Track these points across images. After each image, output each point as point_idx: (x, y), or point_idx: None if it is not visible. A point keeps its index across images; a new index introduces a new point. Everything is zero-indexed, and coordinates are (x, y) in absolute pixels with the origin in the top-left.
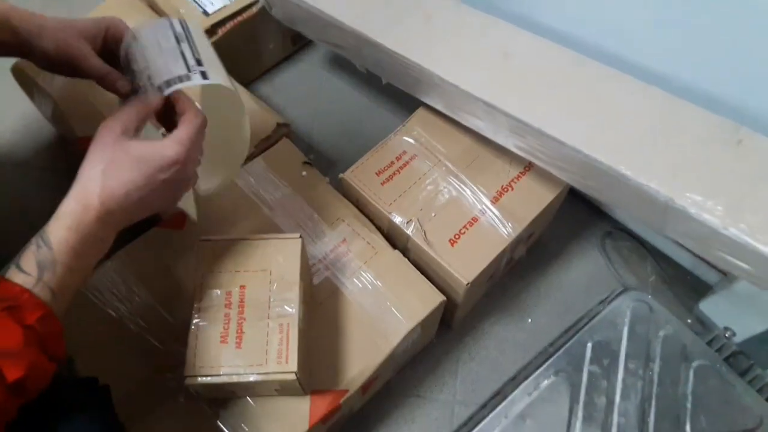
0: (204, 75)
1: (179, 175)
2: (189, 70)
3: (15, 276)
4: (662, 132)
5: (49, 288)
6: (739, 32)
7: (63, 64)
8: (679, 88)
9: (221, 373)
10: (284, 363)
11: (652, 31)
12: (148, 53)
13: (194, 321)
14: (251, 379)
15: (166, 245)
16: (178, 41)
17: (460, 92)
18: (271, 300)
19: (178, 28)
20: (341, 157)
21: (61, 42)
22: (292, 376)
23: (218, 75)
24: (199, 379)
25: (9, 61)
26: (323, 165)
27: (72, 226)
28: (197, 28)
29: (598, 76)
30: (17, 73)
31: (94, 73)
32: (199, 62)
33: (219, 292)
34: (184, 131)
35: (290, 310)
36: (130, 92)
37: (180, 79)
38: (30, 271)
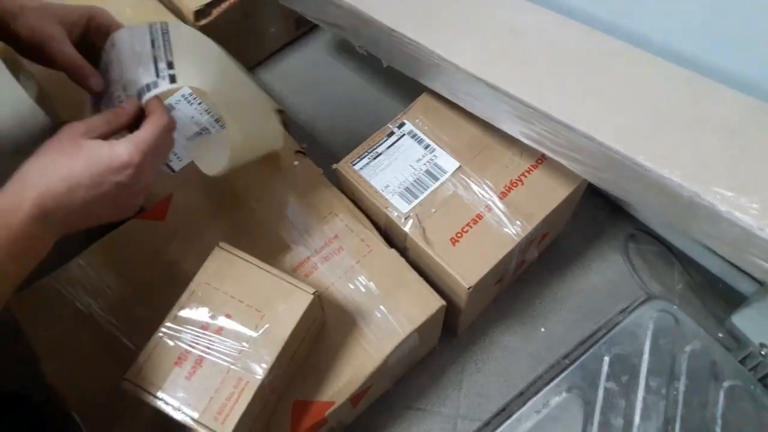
0: (173, 78)
1: (132, 180)
2: (158, 75)
3: None
4: (688, 117)
5: None
6: None
7: (34, 49)
8: (707, 70)
9: (157, 395)
10: (220, 423)
11: (676, 7)
12: (124, 61)
13: (165, 325)
14: (177, 418)
15: (145, 238)
16: (153, 45)
17: (461, 72)
18: (246, 347)
19: (156, 33)
20: (344, 145)
21: (35, 24)
22: None
23: (196, 75)
24: (135, 388)
25: None
26: (325, 154)
27: (1, 222)
28: (185, 28)
29: (616, 55)
30: (3, 53)
31: (65, 62)
32: (170, 65)
33: (205, 309)
34: (143, 133)
35: (257, 369)
36: (102, 93)
37: (148, 87)
38: None
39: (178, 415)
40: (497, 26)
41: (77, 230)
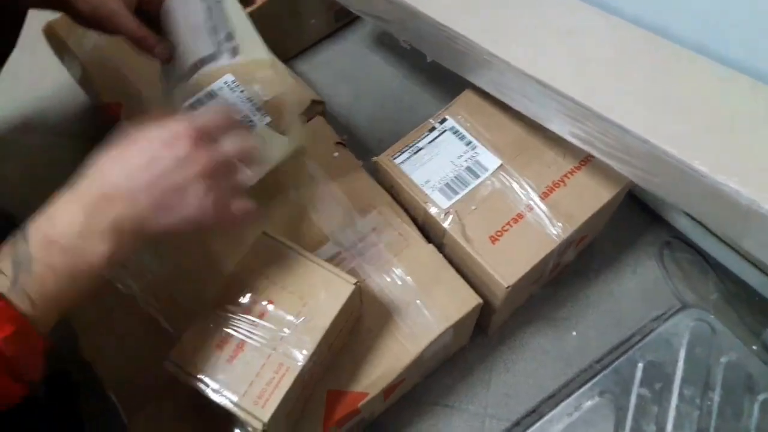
0: (234, 51)
1: (189, 152)
2: (218, 47)
3: None
4: (747, 123)
5: (26, 294)
6: None
7: (97, 24)
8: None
9: (198, 377)
10: (260, 407)
11: (735, 14)
12: (179, 31)
13: (209, 308)
14: (217, 400)
15: None
16: (209, 15)
17: (512, 70)
18: (288, 333)
19: (210, 1)
20: (380, 140)
21: (95, 2)
22: (259, 426)
23: (254, 47)
24: (177, 369)
25: (41, 25)
26: (360, 148)
27: (59, 228)
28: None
29: (672, 58)
30: (49, 33)
31: (129, 35)
32: (229, 37)
33: (248, 294)
34: (199, 112)
35: (298, 355)
36: (170, 59)
37: (206, 59)
38: (4, 269)
39: (218, 398)
40: (551, 25)
41: (156, 230)
